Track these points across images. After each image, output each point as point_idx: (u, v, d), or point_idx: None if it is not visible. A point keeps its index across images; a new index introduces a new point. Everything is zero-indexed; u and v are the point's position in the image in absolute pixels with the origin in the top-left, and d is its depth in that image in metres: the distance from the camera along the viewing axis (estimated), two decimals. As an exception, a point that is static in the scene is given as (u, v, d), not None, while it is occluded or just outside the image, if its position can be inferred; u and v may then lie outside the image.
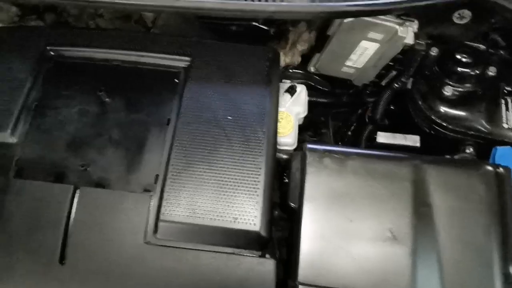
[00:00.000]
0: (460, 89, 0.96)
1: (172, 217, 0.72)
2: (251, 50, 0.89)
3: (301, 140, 0.92)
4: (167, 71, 0.87)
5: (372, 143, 1.15)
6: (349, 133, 1.31)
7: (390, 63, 1.04)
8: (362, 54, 1.01)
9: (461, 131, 0.94)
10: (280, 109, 0.90)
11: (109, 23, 1.11)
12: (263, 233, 0.71)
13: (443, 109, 0.96)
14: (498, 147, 0.88)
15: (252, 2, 0.80)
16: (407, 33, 0.94)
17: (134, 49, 0.88)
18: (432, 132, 0.98)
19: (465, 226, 0.71)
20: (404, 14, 0.93)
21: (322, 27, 1.00)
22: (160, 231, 0.72)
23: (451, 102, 0.96)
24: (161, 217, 0.72)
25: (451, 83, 0.96)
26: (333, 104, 1.24)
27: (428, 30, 1.00)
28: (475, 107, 0.94)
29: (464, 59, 0.95)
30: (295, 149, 0.90)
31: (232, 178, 0.74)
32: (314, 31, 1.03)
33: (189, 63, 0.87)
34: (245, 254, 0.72)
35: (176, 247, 0.72)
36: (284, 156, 0.90)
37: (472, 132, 0.93)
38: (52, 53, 0.89)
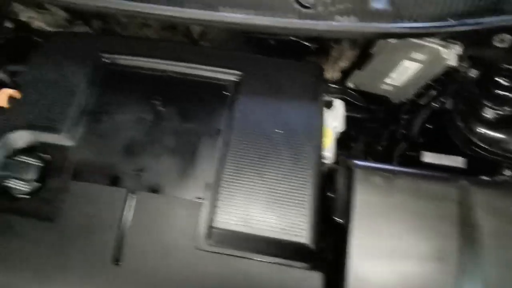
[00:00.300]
0: (500, 112, 0.97)
1: (224, 225, 0.75)
2: (299, 66, 0.92)
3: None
4: (217, 84, 0.91)
5: (404, 159, 1.18)
6: (380, 148, 1.33)
7: (430, 83, 1.06)
8: (403, 73, 1.03)
9: (500, 153, 0.95)
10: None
11: (155, 33, 1.15)
12: (311, 245, 0.73)
13: (482, 130, 0.97)
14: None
15: (303, 21, 0.83)
16: (450, 55, 0.96)
17: (187, 61, 0.92)
18: (470, 153, 0.99)
19: (510, 248, 0.72)
20: (448, 37, 0.95)
21: (365, 44, 1.02)
22: (211, 237, 0.75)
23: (490, 124, 0.97)
24: (214, 224, 0.75)
25: (491, 105, 0.97)
26: (367, 120, 1.26)
27: (469, 52, 1.01)
28: (515, 130, 0.96)
29: (504, 82, 0.97)
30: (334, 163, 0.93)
31: (281, 190, 0.77)
32: (357, 48, 1.06)
33: (239, 77, 0.90)
34: (293, 266, 0.74)
35: (227, 254, 0.75)
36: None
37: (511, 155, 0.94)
38: (106, 60, 0.93)
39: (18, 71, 1.03)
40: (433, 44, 0.95)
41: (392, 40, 0.94)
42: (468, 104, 1.01)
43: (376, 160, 1.31)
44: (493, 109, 0.97)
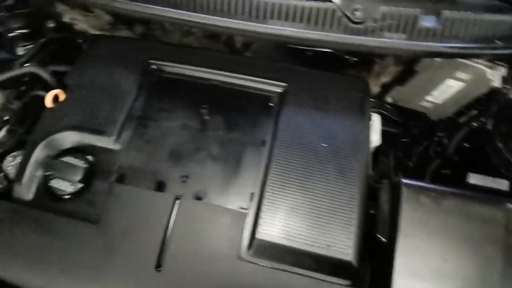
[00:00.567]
0: (541, 135, 0.96)
1: (267, 237, 0.75)
2: (345, 80, 0.92)
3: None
4: (262, 95, 0.91)
5: (437, 177, 1.16)
6: (411, 164, 1.32)
7: (472, 102, 1.05)
8: (445, 91, 1.02)
9: (540, 176, 0.94)
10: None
11: (197, 41, 1.16)
12: (354, 263, 0.73)
13: (523, 153, 0.96)
14: None
15: (353, 37, 0.84)
16: (495, 76, 0.96)
17: (233, 71, 0.92)
18: (508, 174, 0.98)
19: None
20: (495, 58, 0.94)
21: (409, 61, 1.02)
22: (254, 248, 0.75)
23: (532, 147, 0.96)
24: (257, 235, 0.75)
25: (532, 128, 0.97)
26: (401, 135, 1.25)
27: (513, 74, 1.01)
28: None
29: (546, 107, 0.96)
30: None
31: (326, 205, 0.77)
32: (400, 64, 1.05)
33: (284, 88, 0.91)
34: (334, 282, 0.74)
35: (268, 267, 0.75)
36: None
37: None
38: (154, 66, 0.95)
39: (59, 70, 1.05)
40: (478, 64, 0.94)
41: (438, 58, 0.94)
42: (510, 126, 1.00)
43: (406, 175, 1.30)
44: (535, 132, 0.96)
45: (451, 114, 1.11)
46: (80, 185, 0.83)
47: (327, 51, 1.08)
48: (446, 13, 0.81)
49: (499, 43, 0.87)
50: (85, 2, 0.93)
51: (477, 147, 1.07)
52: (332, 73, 0.93)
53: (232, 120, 0.88)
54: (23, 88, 1.05)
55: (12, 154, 0.96)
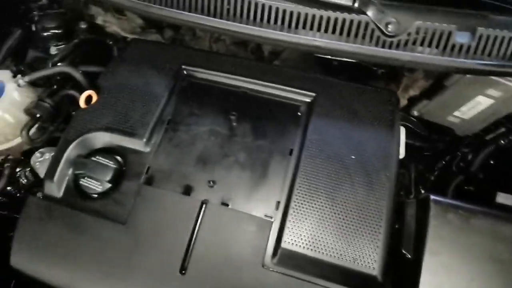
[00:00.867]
0: None
1: (293, 246, 0.75)
2: (374, 92, 0.92)
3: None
4: (291, 104, 0.92)
5: (459, 193, 1.15)
6: (432, 178, 1.30)
7: (501, 119, 1.04)
8: (474, 107, 1.01)
9: None
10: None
11: (225, 48, 1.17)
12: (380, 278, 0.73)
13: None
14: None
15: (386, 50, 0.84)
16: (526, 94, 0.94)
17: (262, 79, 0.93)
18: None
19: None
20: (528, 76, 0.93)
21: (439, 76, 1.02)
22: (278, 257, 0.76)
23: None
24: (282, 244, 0.75)
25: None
26: (425, 149, 1.24)
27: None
28: None
29: None
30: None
31: (353, 218, 0.77)
32: (430, 79, 1.05)
33: (313, 98, 0.91)
34: (358, 296, 0.73)
35: (292, 276, 0.75)
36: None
37: None
38: (185, 72, 0.96)
39: (88, 71, 1.07)
40: (510, 82, 0.93)
41: (471, 75, 0.93)
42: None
43: (427, 190, 1.29)
44: None
45: (478, 130, 1.09)
46: (109, 185, 0.84)
47: (354, 61, 1.08)
48: (481, 30, 0.80)
49: (532, 62, 0.86)
50: (120, 5, 0.95)
51: (503, 165, 1.06)
52: (361, 85, 0.93)
53: (260, 128, 0.89)
54: (55, 87, 1.08)
55: (40, 150, 0.98)
